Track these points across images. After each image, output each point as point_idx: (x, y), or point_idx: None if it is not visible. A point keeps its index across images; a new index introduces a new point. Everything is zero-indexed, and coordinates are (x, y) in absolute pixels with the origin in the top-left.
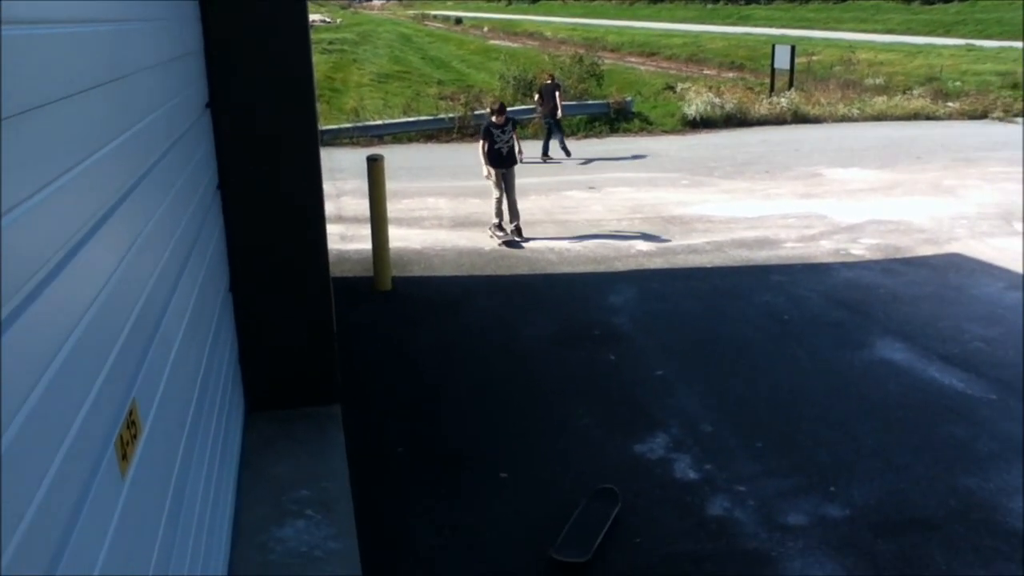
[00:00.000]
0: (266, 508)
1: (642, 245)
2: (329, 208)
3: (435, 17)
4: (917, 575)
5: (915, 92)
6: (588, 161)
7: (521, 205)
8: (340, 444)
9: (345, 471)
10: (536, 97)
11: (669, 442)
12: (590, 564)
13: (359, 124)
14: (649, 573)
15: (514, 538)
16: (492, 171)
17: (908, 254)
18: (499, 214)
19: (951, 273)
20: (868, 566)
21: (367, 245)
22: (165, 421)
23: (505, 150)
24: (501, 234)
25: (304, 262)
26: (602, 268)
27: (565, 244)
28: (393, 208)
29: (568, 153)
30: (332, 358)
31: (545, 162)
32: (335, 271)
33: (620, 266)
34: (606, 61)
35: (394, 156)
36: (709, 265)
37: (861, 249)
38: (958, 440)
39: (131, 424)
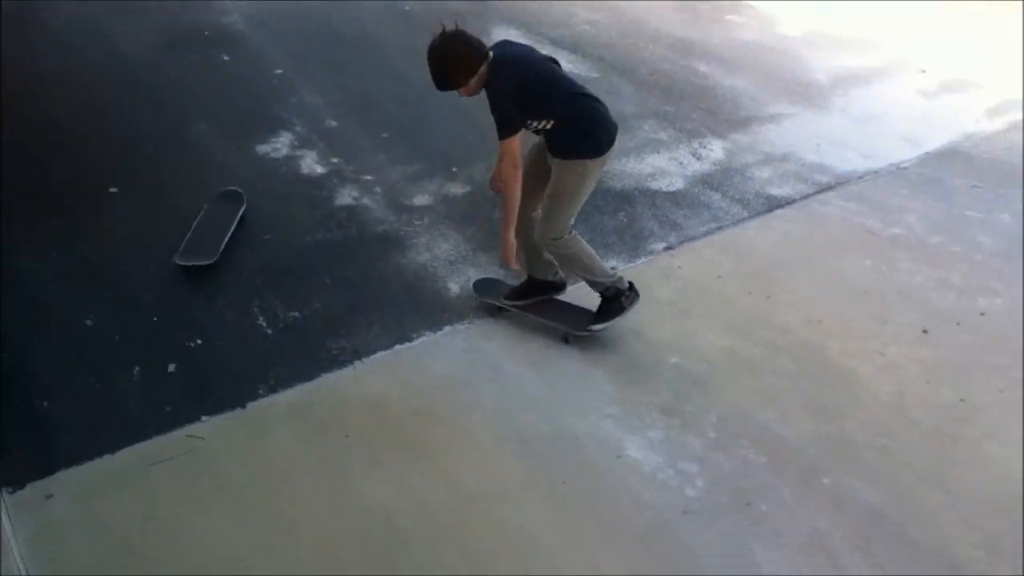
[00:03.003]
0: None
1: None
2: None
3: None
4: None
5: None
6: None
7: None
8: None
9: None
10: None
11: (294, 140)
12: (219, 265)
13: None
14: (279, 265)
15: (136, 252)
16: None
17: None
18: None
19: None
20: (484, 232)
21: None
22: None
23: None
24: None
25: None
26: None
27: None
28: None
29: None
30: None
31: None
32: None
33: None
34: None
35: None
36: None
37: None
38: None
39: None
